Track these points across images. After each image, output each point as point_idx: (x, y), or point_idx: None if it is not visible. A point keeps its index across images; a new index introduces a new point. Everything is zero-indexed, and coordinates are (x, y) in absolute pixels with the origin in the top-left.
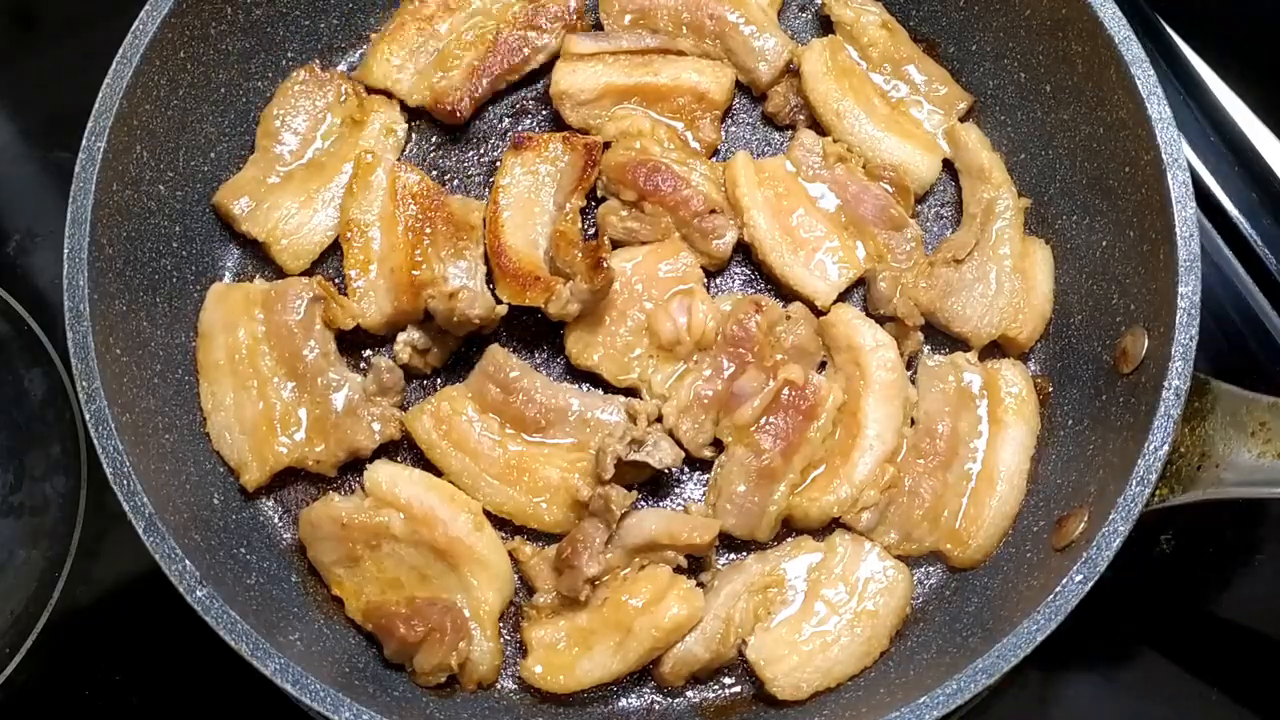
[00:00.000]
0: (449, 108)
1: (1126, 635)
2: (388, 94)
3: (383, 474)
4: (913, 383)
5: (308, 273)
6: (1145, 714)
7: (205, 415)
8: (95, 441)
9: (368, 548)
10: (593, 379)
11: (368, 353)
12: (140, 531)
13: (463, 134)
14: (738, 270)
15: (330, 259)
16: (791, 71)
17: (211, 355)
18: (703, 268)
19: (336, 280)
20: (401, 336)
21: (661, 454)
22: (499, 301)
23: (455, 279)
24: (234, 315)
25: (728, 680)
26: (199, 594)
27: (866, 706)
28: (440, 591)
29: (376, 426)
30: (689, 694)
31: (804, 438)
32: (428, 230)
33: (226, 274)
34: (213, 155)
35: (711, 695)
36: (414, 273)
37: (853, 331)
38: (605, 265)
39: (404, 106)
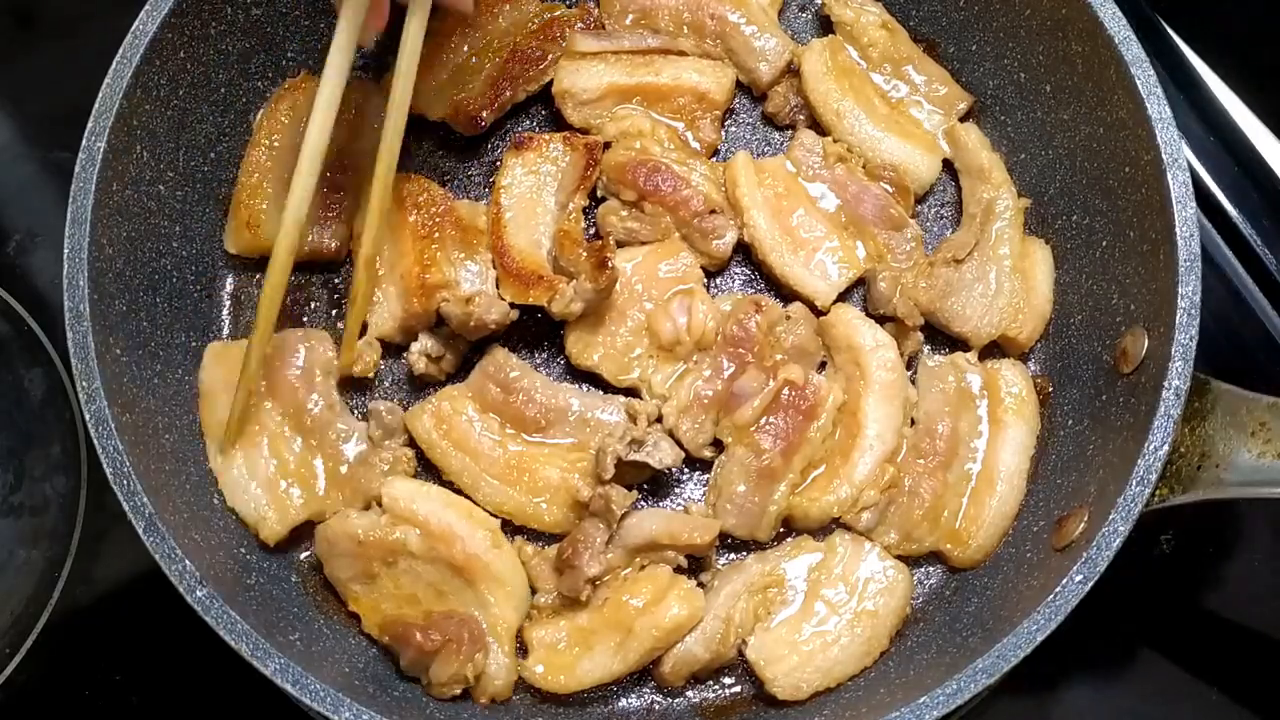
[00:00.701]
0: (470, 118)
1: (1126, 635)
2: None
3: (400, 490)
4: (913, 383)
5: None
6: (1145, 714)
7: (216, 475)
8: (95, 441)
9: (384, 564)
10: (593, 379)
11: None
12: (140, 531)
13: (462, 135)
14: (738, 270)
15: (340, 266)
16: (792, 71)
17: (215, 415)
18: (703, 268)
19: (339, 282)
20: (415, 347)
21: (662, 454)
22: (509, 305)
23: (466, 282)
24: (234, 373)
25: (728, 680)
26: (199, 594)
27: (866, 706)
28: (457, 608)
29: (387, 469)
30: (689, 694)
31: (804, 438)
32: (436, 236)
33: (227, 273)
34: (213, 155)
35: (711, 695)
36: (424, 276)
37: (853, 331)
38: (610, 264)
39: (424, 121)
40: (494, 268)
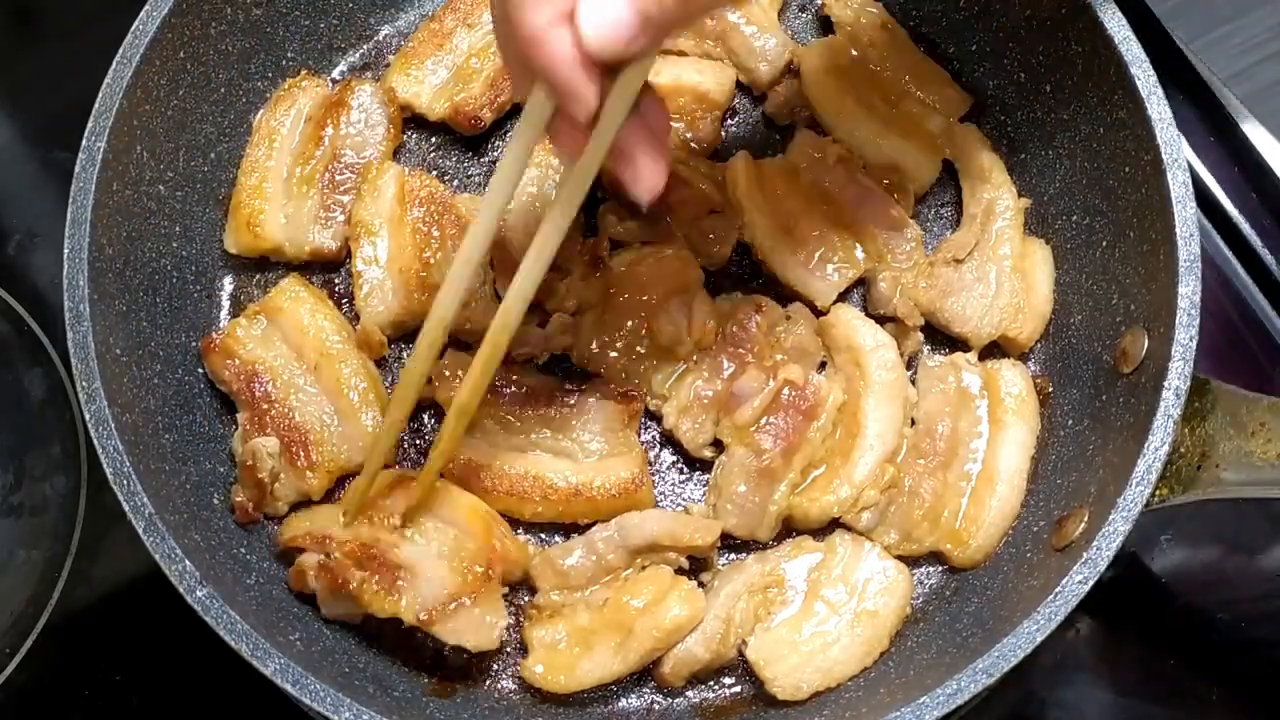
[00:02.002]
0: (470, 118)
1: (1126, 635)
2: (410, 109)
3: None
4: (913, 383)
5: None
6: (1145, 714)
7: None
8: (95, 441)
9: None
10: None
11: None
12: (140, 531)
13: (462, 134)
14: (738, 270)
15: (340, 266)
16: (792, 71)
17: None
18: (703, 268)
19: (338, 280)
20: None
21: None
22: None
23: None
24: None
25: (728, 680)
26: (199, 594)
27: (866, 706)
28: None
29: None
30: (689, 694)
31: (804, 438)
32: (435, 232)
33: (227, 273)
34: (212, 155)
35: (711, 695)
36: (422, 274)
37: (853, 331)
38: (603, 263)
39: (425, 121)
40: (491, 268)
